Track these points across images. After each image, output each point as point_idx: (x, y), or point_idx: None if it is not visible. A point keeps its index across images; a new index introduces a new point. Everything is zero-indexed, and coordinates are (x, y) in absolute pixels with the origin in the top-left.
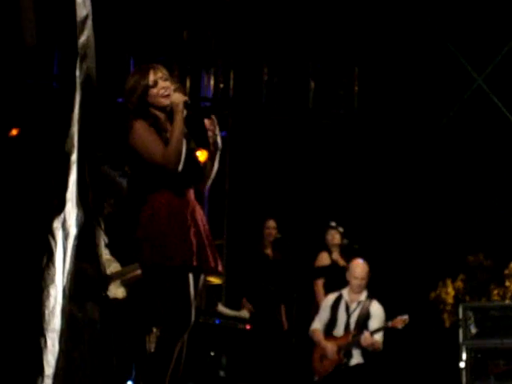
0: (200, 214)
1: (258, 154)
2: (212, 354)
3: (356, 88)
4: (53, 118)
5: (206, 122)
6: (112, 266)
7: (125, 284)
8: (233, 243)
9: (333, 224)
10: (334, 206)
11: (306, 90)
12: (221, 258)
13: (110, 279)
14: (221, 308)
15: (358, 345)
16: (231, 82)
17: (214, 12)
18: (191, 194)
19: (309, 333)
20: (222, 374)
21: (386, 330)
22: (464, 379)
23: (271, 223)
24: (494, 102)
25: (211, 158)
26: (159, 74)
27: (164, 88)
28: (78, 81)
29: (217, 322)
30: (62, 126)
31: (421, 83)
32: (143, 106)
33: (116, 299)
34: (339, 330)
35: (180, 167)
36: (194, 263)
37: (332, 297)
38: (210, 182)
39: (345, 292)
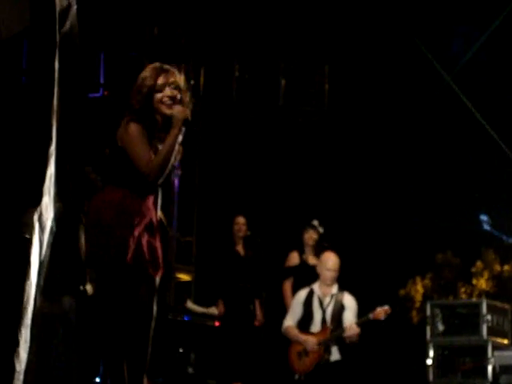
0: (150, 222)
1: (229, 151)
2: (181, 350)
3: (327, 86)
4: (25, 112)
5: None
6: None
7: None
8: (203, 240)
9: (315, 223)
10: (305, 204)
11: (277, 87)
12: (188, 255)
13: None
14: (190, 305)
15: (337, 340)
16: (202, 79)
17: (184, 8)
18: (150, 200)
19: (282, 331)
20: (190, 370)
21: (367, 322)
22: (431, 376)
23: (240, 219)
24: (463, 100)
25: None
26: (170, 80)
27: (169, 97)
28: (56, 72)
29: (185, 318)
30: (38, 118)
31: (391, 81)
32: (146, 108)
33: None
34: (316, 326)
35: (160, 181)
36: (124, 266)
37: (303, 293)
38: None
39: (315, 287)
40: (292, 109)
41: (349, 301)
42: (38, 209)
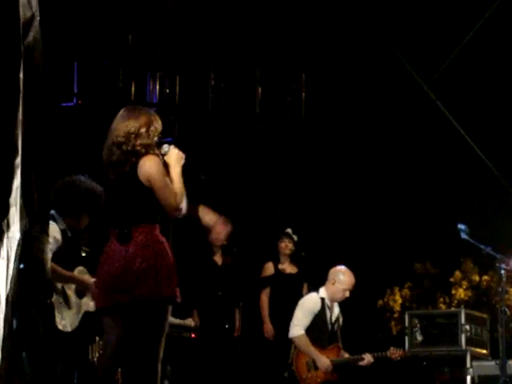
0: None
1: (204, 161)
2: None
3: (303, 94)
4: None
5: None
6: (89, 277)
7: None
8: (180, 250)
9: (288, 231)
10: (281, 213)
11: (253, 95)
12: None
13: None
14: None
15: (349, 363)
16: (177, 87)
17: (159, 16)
18: None
19: (292, 337)
20: (166, 383)
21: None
22: None
23: None
24: (441, 109)
25: None
26: None
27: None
28: (21, 83)
29: None
30: (3, 130)
31: (368, 90)
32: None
33: (88, 312)
34: (326, 340)
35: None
36: (179, 300)
37: (317, 302)
38: None
39: (326, 299)
40: (269, 117)
41: (341, 320)
42: (5, 221)
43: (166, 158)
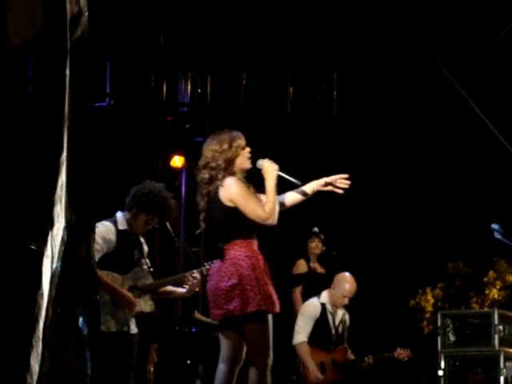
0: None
1: None
2: (188, 362)
3: (335, 93)
4: (32, 120)
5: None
6: (145, 279)
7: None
8: (210, 250)
9: (315, 230)
10: (313, 213)
11: (285, 95)
12: (196, 265)
13: (141, 291)
14: (197, 315)
15: (353, 364)
16: (208, 87)
17: (191, 16)
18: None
19: (295, 345)
20: (198, 382)
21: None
22: None
23: None
24: (474, 108)
25: None
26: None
27: (249, 152)
28: (67, 79)
29: (193, 329)
30: (49, 126)
31: (400, 89)
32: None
33: (143, 312)
34: (331, 344)
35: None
36: (278, 309)
37: (317, 308)
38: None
39: (327, 304)
40: (300, 117)
41: (348, 321)
42: (50, 218)
43: (262, 172)
